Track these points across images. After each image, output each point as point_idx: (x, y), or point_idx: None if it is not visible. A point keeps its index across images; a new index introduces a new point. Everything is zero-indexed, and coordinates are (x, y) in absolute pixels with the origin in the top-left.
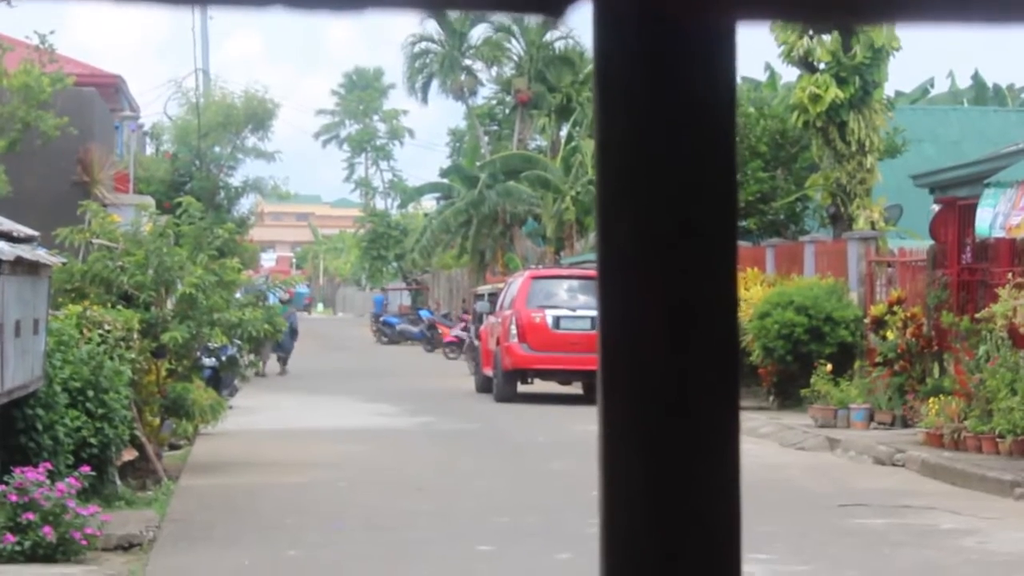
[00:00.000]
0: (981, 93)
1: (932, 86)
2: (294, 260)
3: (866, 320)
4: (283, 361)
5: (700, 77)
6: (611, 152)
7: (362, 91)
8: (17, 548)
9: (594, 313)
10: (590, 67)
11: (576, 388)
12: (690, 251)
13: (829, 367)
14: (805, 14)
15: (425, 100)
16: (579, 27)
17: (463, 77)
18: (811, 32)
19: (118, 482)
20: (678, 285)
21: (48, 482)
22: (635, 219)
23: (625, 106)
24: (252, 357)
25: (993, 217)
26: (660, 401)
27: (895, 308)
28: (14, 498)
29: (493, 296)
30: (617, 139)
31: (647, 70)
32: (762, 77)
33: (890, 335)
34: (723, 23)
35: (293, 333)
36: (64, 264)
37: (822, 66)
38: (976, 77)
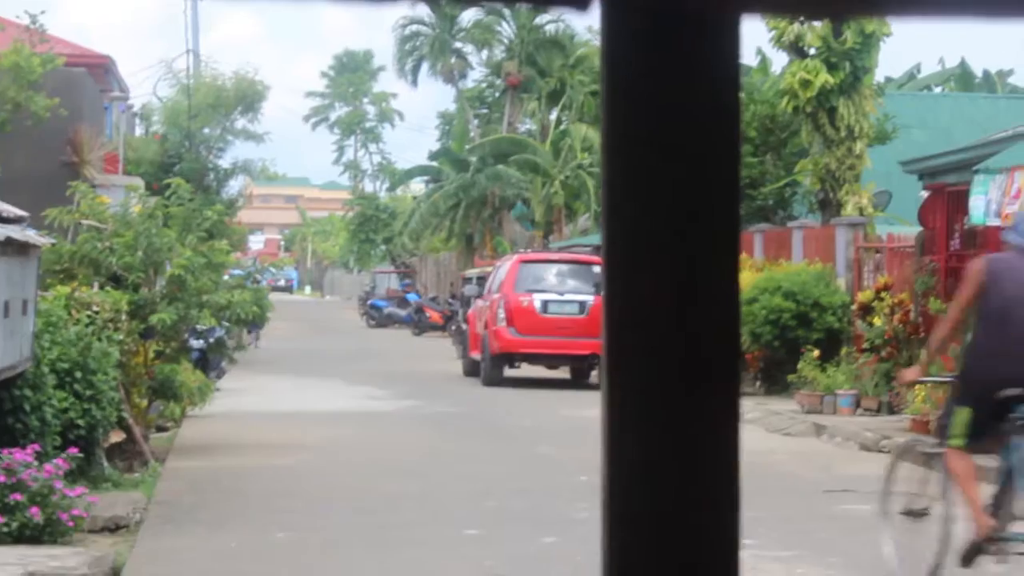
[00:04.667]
0: (968, 79)
1: (919, 71)
2: (282, 242)
3: (853, 306)
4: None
5: (705, 69)
6: (617, 139)
7: (352, 73)
8: (4, 529)
9: (582, 297)
10: (580, 51)
11: (563, 372)
12: (695, 236)
13: (816, 353)
14: (807, 8)
15: (415, 83)
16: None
17: (453, 60)
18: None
19: (105, 464)
20: (682, 269)
21: (36, 463)
22: (641, 205)
23: (631, 95)
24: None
25: (986, 204)
26: (663, 382)
27: (883, 294)
28: (2, 479)
29: (481, 280)
30: (623, 126)
31: (653, 61)
32: (753, 62)
33: (877, 321)
34: (727, 17)
35: None
36: (53, 245)
37: (812, 51)
38: (963, 64)
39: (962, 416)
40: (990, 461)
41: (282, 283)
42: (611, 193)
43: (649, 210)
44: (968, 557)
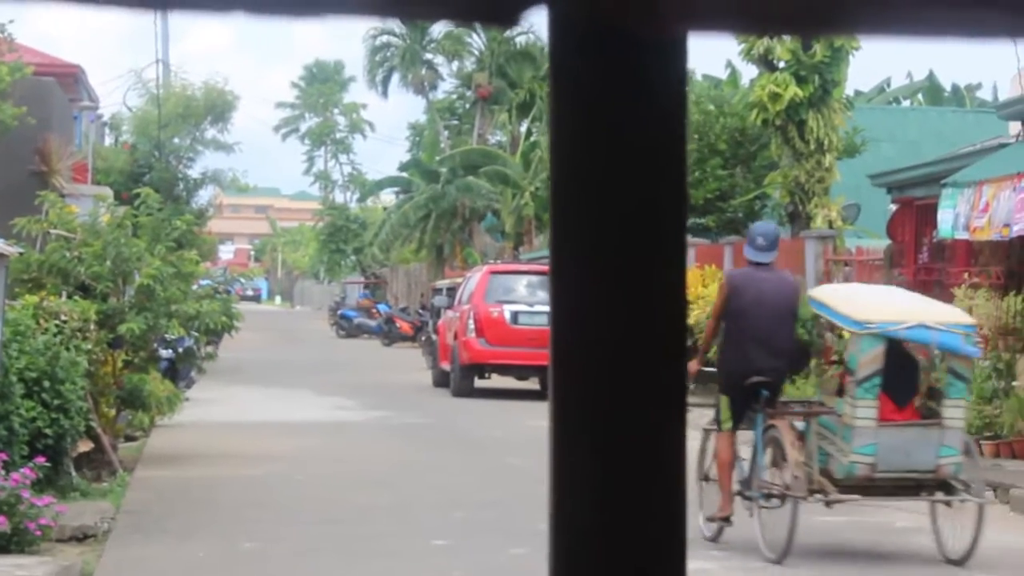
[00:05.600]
0: (937, 93)
1: (889, 85)
2: (252, 252)
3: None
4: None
5: (651, 87)
6: (564, 155)
7: (322, 84)
8: None
9: None
10: None
11: (533, 383)
12: (641, 253)
13: None
14: (756, 26)
15: (385, 94)
16: (540, 24)
17: (424, 71)
18: None
19: (73, 473)
20: (629, 284)
21: (3, 472)
22: (586, 216)
23: (577, 112)
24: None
25: (954, 218)
26: (609, 395)
27: None
28: None
29: (451, 291)
30: (569, 144)
31: (599, 78)
32: (723, 75)
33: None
34: (675, 34)
35: None
36: (21, 254)
37: (782, 64)
38: (932, 78)
39: (724, 403)
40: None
41: (250, 293)
42: (557, 205)
43: (595, 221)
44: (715, 529)
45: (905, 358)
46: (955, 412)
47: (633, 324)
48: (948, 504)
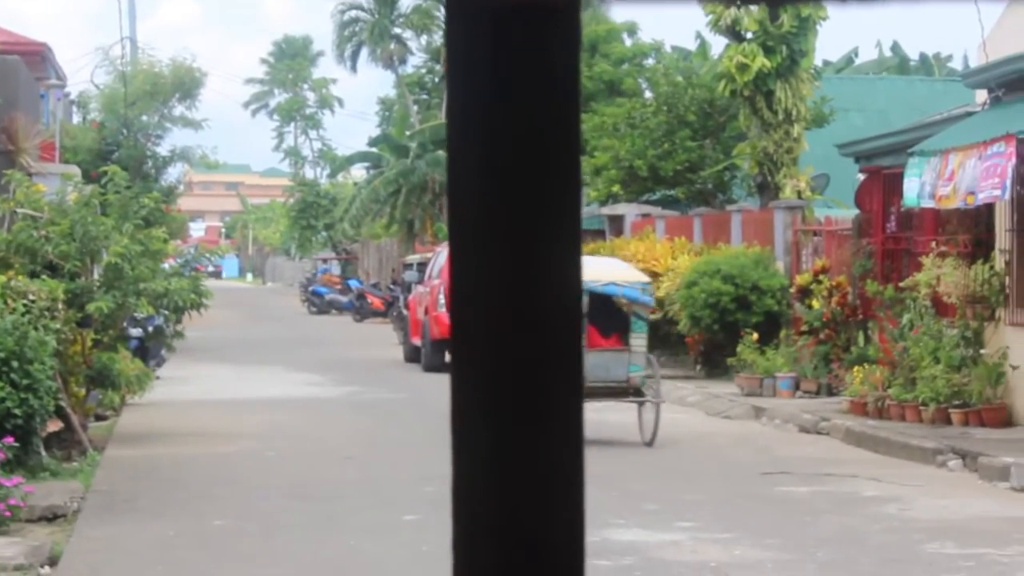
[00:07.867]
0: (903, 63)
1: (857, 55)
2: (223, 230)
3: (792, 289)
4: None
5: (543, 53)
6: (459, 129)
7: (291, 60)
8: None
9: None
10: None
11: None
12: (536, 226)
13: (755, 336)
14: None
15: (354, 69)
16: None
17: (392, 46)
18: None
19: (43, 453)
20: (525, 261)
21: None
22: (483, 195)
23: (471, 81)
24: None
25: (920, 187)
26: (506, 372)
27: (821, 277)
28: None
29: (422, 266)
30: (464, 116)
31: (491, 46)
32: (693, 46)
33: (816, 304)
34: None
35: None
36: None
37: (749, 35)
38: (896, 48)
39: None
40: (927, 441)
41: (211, 269)
42: (455, 187)
43: (490, 194)
44: None
45: (611, 305)
46: (639, 341)
47: (528, 301)
48: (641, 404)
